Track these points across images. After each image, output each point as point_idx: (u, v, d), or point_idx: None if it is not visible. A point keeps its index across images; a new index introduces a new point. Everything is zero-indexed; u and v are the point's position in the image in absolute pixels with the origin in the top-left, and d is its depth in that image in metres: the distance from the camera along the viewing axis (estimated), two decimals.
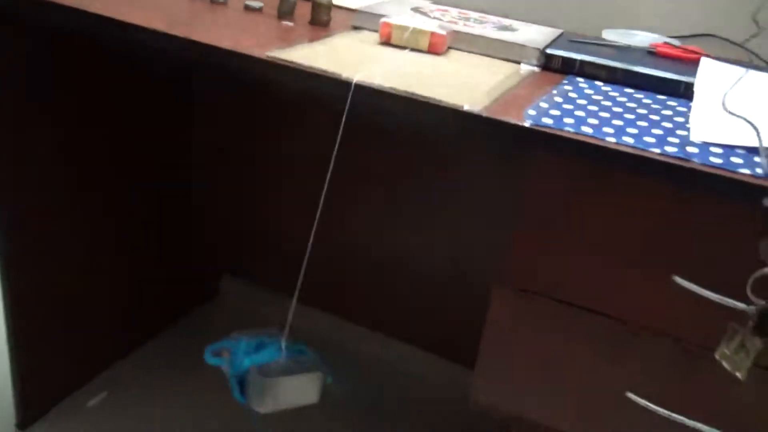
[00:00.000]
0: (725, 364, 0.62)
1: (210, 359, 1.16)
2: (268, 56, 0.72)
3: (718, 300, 0.62)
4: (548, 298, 0.70)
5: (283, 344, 1.10)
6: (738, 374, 0.61)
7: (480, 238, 1.30)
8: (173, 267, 1.50)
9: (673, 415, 0.68)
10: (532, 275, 0.70)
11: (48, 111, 1.08)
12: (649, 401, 0.69)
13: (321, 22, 0.91)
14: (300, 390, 1.18)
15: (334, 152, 0.75)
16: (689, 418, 0.68)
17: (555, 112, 0.68)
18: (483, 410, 0.76)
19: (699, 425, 0.67)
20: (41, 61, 1.04)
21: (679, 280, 0.64)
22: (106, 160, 1.22)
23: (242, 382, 1.19)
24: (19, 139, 1.05)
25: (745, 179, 0.58)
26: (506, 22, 1.01)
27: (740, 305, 0.61)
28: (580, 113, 0.69)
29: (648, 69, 0.83)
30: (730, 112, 0.71)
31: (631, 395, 0.70)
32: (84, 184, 1.19)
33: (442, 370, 1.44)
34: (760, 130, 0.65)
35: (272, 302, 1.60)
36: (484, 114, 0.65)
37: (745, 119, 0.68)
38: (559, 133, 0.62)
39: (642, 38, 1.00)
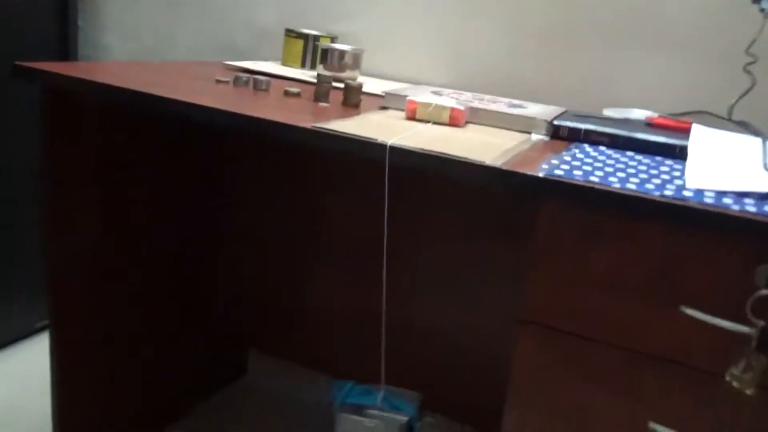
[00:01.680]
0: (735, 385, 0.68)
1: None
2: (312, 126, 0.83)
3: (723, 325, 0.69)
4: (566, 334, 0.77)
5: (381, 393, 1.17)
6: (748, 392, 0.67)
7: (498, 304, 1.36)
8: (200, 344, 1.56)
9: None
10: (546, 311, 0.77)
11: (94, 185, 1.19)
12: (671, 429, 0.74)
13: (353, 103, 1.03)
14: None
15: (385, 222, 0.84)
16: None
17: (565, 167, 0.78)
18: None
19: None
20: (92, 138, 1.17)
21: (686, 310, 0.71)
22: (140, 236, 1.32)
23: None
24: (67, 210, 1.15)
25: (736, 214, 0.66)
26: (515, 101, 1.13)
27: (743, 328, 0.68)
28: (587, 168, 0.79)
29: (646, 135, 0.94)
30: (721, 165, 0.80)
31: (653, 425, 0.75)
32: (117, 260, 1.29)
33: None
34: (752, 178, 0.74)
35: (301, 377, 1.65)
36: (504, 167, 0.74)
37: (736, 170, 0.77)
38: (570, 181, 0.72)
39: (639, 114, 1.11)
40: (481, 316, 1.39)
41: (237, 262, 1.63)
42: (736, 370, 0.68)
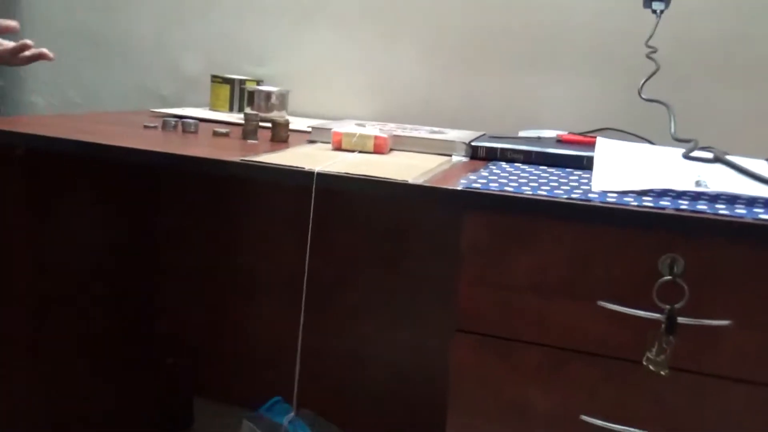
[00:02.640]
0: (651, 368, 0.74)
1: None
2: (240, 160, 0.87)
3: (636, 314, 0.74)
4: (496, 338, 0.81)
5: (290, 415, 1.16)
6: (663, 373, 0.73)
7: (439, 323, 1.40)
8: (143, 400, 1.52)
9: (625, 428, 0.78)
10: (476, 317, 0.81)
11: (24, 232, 1.18)
12: (601, 419, 0.79)
13: (281, 139, 1.07)
14: None
15: (307, 259, 0.87)
16: (638, 428, 0.77)
17: (482, 181, 0.83)
18: None
19: None
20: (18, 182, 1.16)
21: (603, 303, 0.76)
22: (73, 285, 1.30)
23: None
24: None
25: (635, 209, 0.73)
26: (436, 129, 1.20)
27: (654, 315, 0.73)
28: (503, 180, 0.84)
29: (556, 150, 1.01)
30: (622, 171, 0.87)
31: (584, 417, 0.80)
32: (49, 311, 1.26)
33: None
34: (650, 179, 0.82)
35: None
36: (426, 184, 0.79)
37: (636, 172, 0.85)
38: (486, 191, 0.77)
39: (551, 132, 1.19)
40: (420, 337, 1.43)
41: (173, 309, 1.61)
42: (651, 354, 0.73)
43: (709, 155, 0.79)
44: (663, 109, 1.16)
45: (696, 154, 0.81)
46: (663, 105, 0.90)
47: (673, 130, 0.86)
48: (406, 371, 1.46)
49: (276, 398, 1.28)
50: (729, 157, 0.80)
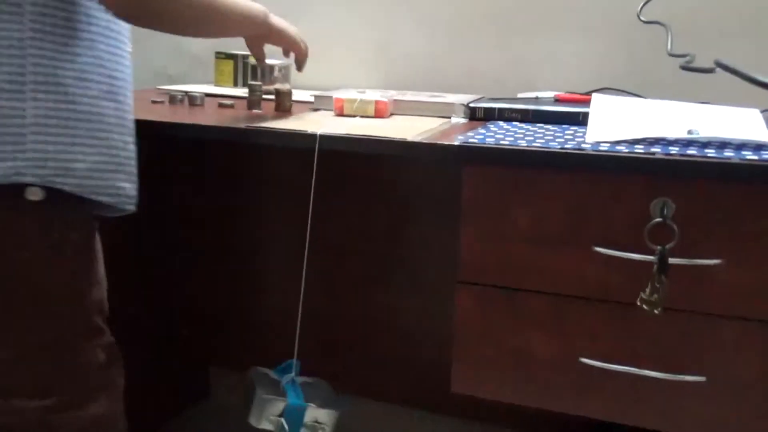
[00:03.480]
0: (645, 308, 0.77)
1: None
2: (246, 126, 0.90)
3: (630, 257, 0.78)
4: (498, 287, 0.85)
5: (291, 375, 1.20)
6: (656, 312, 0.76)
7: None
8: (158, 367, 1.57)
9: (623, 367, 0.81)
10: (478, 269, 0.85)
11: None
12: (600, 361, 0.82)
13: (284, 108, 1.10)
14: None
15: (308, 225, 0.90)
16: (636, 367, 0.81)
17: (479, 137, 0.86)
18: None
19: (644, 372, 0.80)
20: None
21: (598, 249, 0.79)
22: None
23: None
24: None
25: (626, 155, 0.75)
26: (436, 93, 1.22)
27: (647, 257, 0.76)
28: (499, 136, 0.87)
29: (553, 107, 1.04)
30: (616, 123, 0.90)
31: (583, 360, 0.83)
32: None
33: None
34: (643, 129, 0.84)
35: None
36: (424, 141, 0.82)
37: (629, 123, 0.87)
38: (481, 145, 0.80)
39: (548, 93, 1.22)
40: (429, 301, 1.46)
41: (186, 280, 1.65)
42: (644, 295, 0.77)
43: (710, 65, 0.81)
44: (662, 69, 1.18)
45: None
46: (661, 25, 0.93)
47: (669, 47, 0.88)
48: (413, 336, 1.49)
49: (291, 360, 1.32)
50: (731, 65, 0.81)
